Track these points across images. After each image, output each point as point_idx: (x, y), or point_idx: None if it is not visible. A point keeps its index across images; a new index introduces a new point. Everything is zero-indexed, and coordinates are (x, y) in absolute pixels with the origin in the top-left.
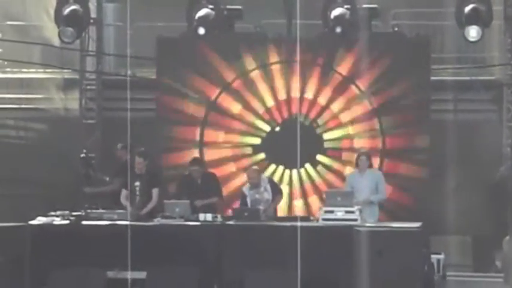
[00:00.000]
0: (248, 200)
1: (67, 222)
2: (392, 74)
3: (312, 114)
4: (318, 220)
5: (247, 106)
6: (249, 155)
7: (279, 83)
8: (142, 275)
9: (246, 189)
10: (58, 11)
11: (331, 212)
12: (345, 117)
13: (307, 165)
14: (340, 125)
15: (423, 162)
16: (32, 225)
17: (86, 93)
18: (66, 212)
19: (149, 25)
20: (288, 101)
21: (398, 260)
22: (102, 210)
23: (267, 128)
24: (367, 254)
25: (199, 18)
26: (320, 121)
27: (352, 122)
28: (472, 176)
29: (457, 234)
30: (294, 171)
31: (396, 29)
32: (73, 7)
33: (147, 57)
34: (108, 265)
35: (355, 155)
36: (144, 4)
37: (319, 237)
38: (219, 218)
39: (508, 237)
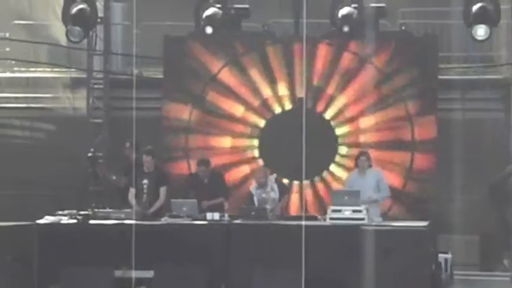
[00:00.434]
0: (255, 200)
1: (74, 221)
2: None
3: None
4: (325, 219)
5: (249, 107)
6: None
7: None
8: (149, 274)
9: (253, 188)
10: (65, 10)
11: (339, 211)
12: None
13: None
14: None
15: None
16: (39, 224)
17: (93, 92)
18: (74, 211)
19: (156, 24)
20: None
21: (406, 259)
22: (110, 210)
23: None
24: (374, 253)
25: (206, 17)
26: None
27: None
28: (480, 174)
29: (464, 233)
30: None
31: (403, 28)
32: (80, 6)
33: (154, 56)
34: (115, 264)
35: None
36: (151, 3)
37: (326, 237)
38: (226, 217)
39: None
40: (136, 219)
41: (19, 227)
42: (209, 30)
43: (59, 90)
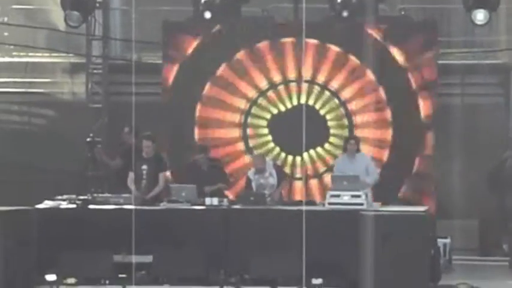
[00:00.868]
0: (253, 185)
1: (74, 206)
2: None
3: (320, 100)
4: (324, 204)
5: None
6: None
7: (290, 65)
8: (148, 259)
9: (251, 174)
10: None
11: (337, 196)
12: (354, 105)
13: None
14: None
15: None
16: (39, 209)
17: (92, 77)
18: (73, 196)
19: (155, 9)
20: (298, 86)
21: (405, 244)
22: (109, 195)
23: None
24: (373, 238)
25: (205, 2)
26: (327, 107)
27: (360, 110)
28: (478, 159)
29: (463, 218)
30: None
31: (403, 12)
32: None
33: (153, 41)
34: (114, 249)
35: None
36: None
37: (325, 222)
38: (225, 202)
39: None
40: (135, 205)
41: (18, 211)
42: (208, 15)
43: (58, 75)
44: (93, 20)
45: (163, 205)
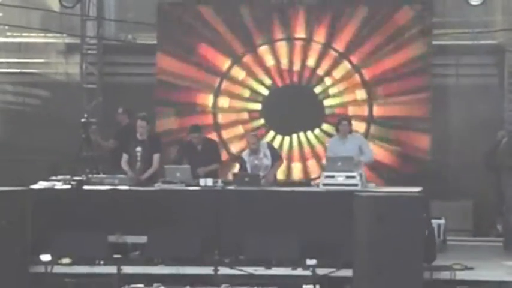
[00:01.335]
0: (248, 166)
1: (68, 186)
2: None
3: (312, 81)
4: (318, 185)
5: (250, 73)
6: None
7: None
8: (143, 239)
9: (245, 155)
10: None
11: (332, 177)
12: (342, 85)
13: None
14: (339, 93)
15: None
16: (33, 189)
17: (86, 58)
18: (68, 177)
19: None
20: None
21: (399, 225)
22: (103, 175)
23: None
24: (367, 218)
25: None
26: (320, 88)
27: (350, 90)
28: (473, 140)
29: (457, 199)
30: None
31: None
32: None
33: (147, 22)
34: (109, 230)
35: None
36: None
37: (319, 202)
38: (220, 183)
39: None
40: (130, 185)
41: (13, 192)
42: None
43: (52, 55)
44: (88, 1)
45: (157, 186)
